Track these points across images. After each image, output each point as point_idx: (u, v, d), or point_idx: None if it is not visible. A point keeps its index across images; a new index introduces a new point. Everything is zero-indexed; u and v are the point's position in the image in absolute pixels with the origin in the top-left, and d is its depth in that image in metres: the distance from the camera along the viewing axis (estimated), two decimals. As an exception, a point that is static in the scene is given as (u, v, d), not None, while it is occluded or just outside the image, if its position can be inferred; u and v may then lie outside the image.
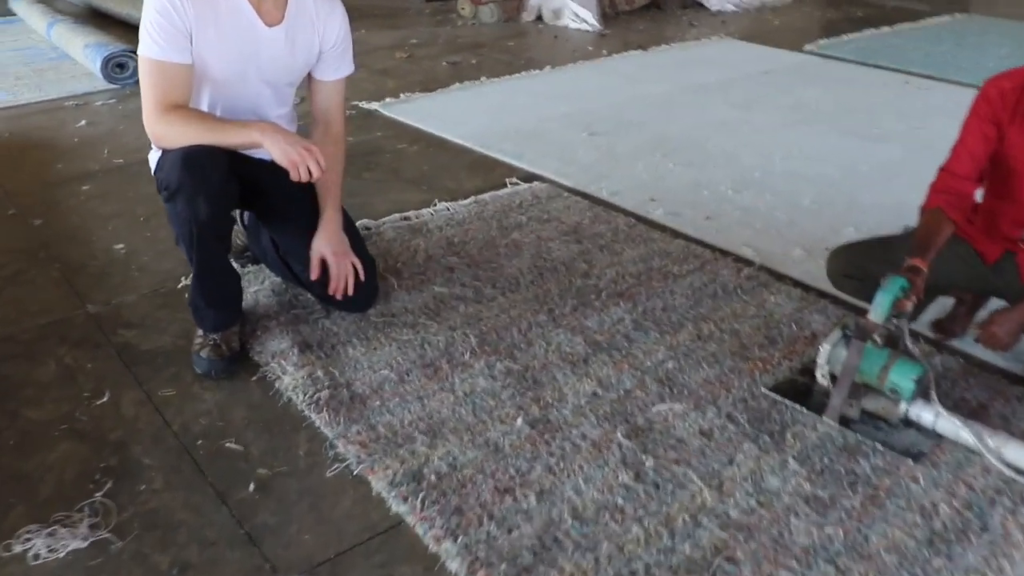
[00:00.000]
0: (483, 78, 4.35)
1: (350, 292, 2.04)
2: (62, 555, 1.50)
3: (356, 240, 2.15)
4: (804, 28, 5.33)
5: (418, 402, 1.82)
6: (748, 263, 2.36)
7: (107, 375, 2.00)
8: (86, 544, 1.52)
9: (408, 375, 1.91)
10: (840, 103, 3.76)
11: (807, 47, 4.77)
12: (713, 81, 4.15)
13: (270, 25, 1.93)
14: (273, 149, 1.78)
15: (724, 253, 2.42)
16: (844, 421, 1.70)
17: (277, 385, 1.92)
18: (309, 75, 2.09)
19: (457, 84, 4.26)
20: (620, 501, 1.53)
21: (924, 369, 1.64)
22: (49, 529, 1.55)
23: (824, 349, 1.70)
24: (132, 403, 1.90)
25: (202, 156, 1.79)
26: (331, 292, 2.03)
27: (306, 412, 1.82)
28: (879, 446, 1.64)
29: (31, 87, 4.21)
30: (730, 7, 5.80)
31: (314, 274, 2.02)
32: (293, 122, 2.16)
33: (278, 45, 1.95)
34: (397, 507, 1.55)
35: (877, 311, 1.64)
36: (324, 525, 1.55)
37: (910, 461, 1.61)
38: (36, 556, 1.50)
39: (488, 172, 3.13)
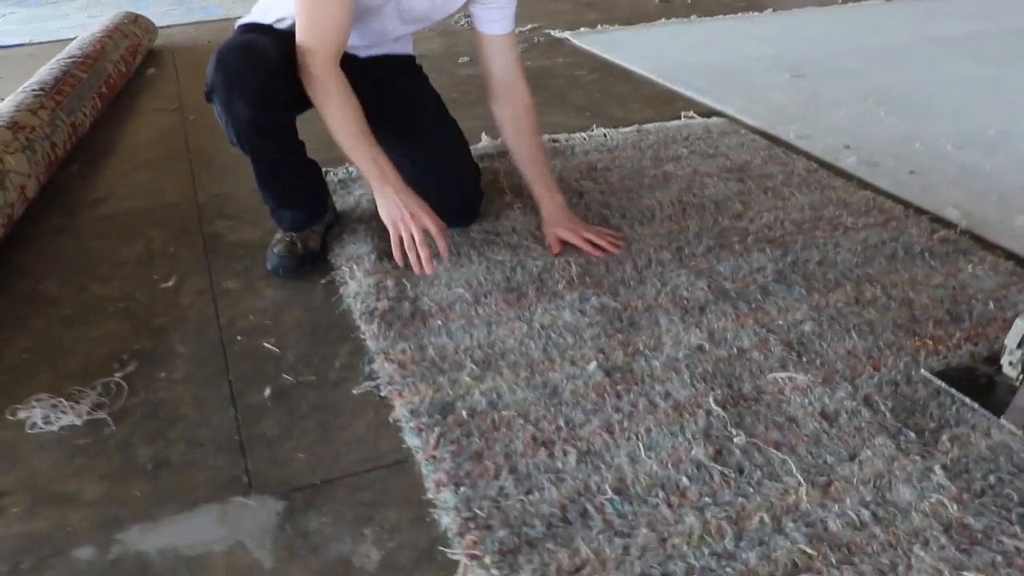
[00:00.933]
0: (693, 16, 3.92)
1: (612, 250, 1.76)
2: (55, 429, 1.35)
3: (462, 145, 1.88)
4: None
5: (484, 327, 1.52)
6: (949, 225, 1.84)
7: (183, 260, 1.87)
8: (81, 422, 1.37)
9: (486, 297, 1.61)
10: None
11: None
12: (963, 34, 3.48)
13: None
14: (379, 201, 1.59)
15: (921, 212, 1.92)
16: (1034, 431, 1.22)
17: (342, 290, 1.69)
18: (476, 33, 1.79)
19: (663, 19, 3.87)
20: (684, 481, 1.16)
21: None
22: (55, 400, 1.41)
23: (1018, 327, 1.22)
24: (193, 291, 1.74)
25: (239, 56, 1.57)
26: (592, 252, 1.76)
27: (359, 322, 1.57)
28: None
29: (248, 6, 4.27)
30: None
31: (557, 249, 1.76)
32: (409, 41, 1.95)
33: None
34: (411, 440, 1.27)
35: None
36: (324, 446, 1.29)
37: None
38: (32, 425, 1.36)
39: (665, 104, 2.75)
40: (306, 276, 1.77)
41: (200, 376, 1.47)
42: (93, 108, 2.70)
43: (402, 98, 1.86)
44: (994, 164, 2.18)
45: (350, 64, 1.65)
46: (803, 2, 4.19)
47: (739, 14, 3.97)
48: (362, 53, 1.83)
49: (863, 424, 1.25)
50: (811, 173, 2.12)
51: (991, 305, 1.54)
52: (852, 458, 1.19)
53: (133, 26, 3.52)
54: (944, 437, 1.22)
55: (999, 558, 1.03)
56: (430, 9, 1.72)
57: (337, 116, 1.57)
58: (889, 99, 2.69)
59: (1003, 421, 1.23)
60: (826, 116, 2.54)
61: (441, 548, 1.09)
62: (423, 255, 1.54)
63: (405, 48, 1.96)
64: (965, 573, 1.01)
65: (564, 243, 1.76)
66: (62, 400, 1.41)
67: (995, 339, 1.44)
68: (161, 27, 3.84)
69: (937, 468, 1.16)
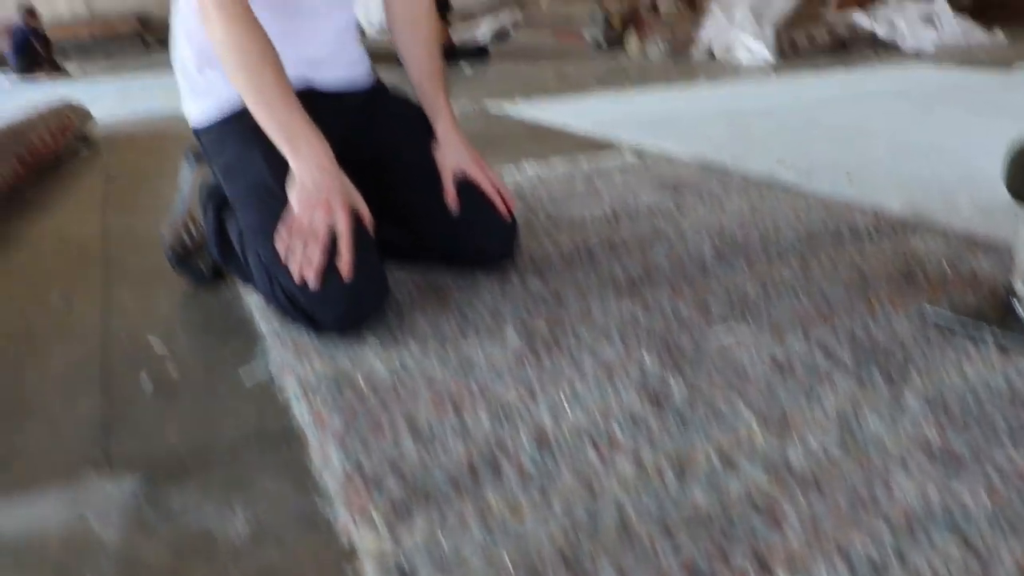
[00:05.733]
0: (628, 85, 3.94)
1: (509, 205, 1.47)
2: None
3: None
4: (1019, 56, 4.54)
5: (394, 310, 1.34)
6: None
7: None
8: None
9: (399, 290, 1.44)
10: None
11: (1017, 63, 4.02)
12: (892, 88, 3.51)
13: None
14: (299, 176, 1.26)
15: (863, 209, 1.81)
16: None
17: (244, 295, 1.50)
18: None
19: (600, 88, 3.88)
20: (616, 430, 0.97)
21: None
22: None
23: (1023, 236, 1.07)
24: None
25: (375, 295, 1.29)
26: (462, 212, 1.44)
27: (255, 315, 1.39)
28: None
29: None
30: (928, 46, 5.08)
31: (452, 200, 1.43)
32: (354, 31, 1.57)
33: None
34: (297, 409, 1.07)
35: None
36: (200, 426, 1.09)
37: None
38: None
39: (598, 149, 2.65)
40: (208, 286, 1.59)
41: (73, 369, 1.27)
42: (13, 171, 2.53)
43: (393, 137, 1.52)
44: (933, 170, 2.10)
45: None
46: (735, 76, 4.24)
47: (674, 82, 4.00)
48: (316, 76, 1.47)
49: (819, 367, 1.09)
50: (748, 183, 2.02)
51: (947, 268, 1.41)
52: (809, 397, 1.02)
53: (65, 108, 3.41)
54: (913, 373, 1.06)
55: (992, 470, 0.86)
56: None
57: (255, 71, 1.26)
58: (824, 128, 2.64)
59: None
60: (759, 143, 2.47)
61: (323, 512, 0.89)
62: (313, 264, 1.20)
63: (357, 64, 1.58)
64: (954, 484, 0.83)
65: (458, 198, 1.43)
66: None
67: (957, 296, 1.29)
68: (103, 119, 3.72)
69: (910, 399, 1.00)
